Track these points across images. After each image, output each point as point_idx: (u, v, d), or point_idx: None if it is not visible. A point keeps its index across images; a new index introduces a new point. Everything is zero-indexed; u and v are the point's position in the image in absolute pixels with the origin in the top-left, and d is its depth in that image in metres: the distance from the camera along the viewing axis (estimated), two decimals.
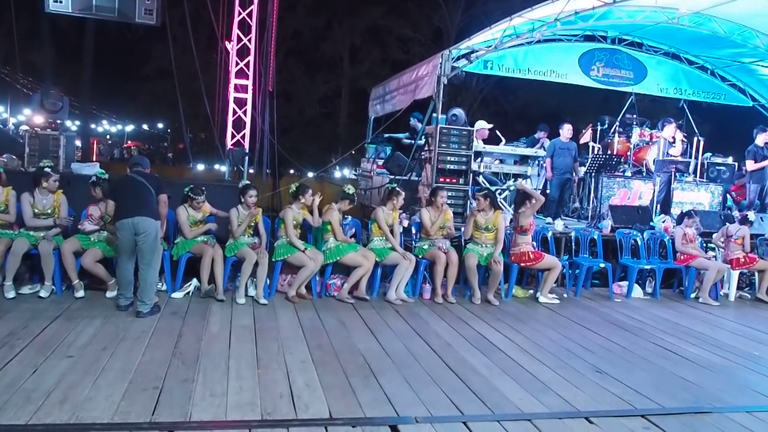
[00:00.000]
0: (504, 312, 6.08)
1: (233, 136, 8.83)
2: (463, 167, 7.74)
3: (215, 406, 3.39)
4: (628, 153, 9.63)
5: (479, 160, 8.25)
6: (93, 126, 33.68)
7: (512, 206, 7.38)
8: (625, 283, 7.30)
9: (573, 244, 7.46)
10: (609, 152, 9.47)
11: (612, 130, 9.86)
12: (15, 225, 5.62)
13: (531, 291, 6.91)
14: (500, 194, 8.29)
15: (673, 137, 9.45)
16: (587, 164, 9.13)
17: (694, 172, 9.71)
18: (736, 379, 4.46)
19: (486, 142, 8.84)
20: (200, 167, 23.33)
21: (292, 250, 5.94)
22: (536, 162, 9.13)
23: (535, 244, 6.88)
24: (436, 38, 23.19)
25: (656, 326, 5.89)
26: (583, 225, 8.29)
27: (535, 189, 8.45)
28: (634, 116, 9.94)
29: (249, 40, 8.73)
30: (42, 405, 3.24)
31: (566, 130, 9.15)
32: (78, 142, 15.50)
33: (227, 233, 6.07)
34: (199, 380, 3.73)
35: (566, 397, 3.83)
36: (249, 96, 8.79)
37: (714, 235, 7.77)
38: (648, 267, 7.36)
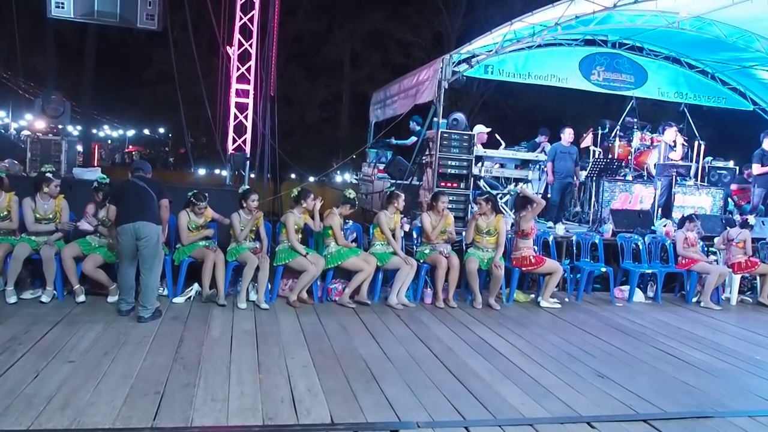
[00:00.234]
0: (505, 316, 6.08)
1: (234, 141, 8.85)
2: (464, 172, 7.74)
3: (217, 411, 3.39)
4: (629, 157, 9.63)
5: (480, 164, 8.26)
6: (94, 131, 33.70)
7: (513, 210, 7.38)
8: (626, 288, 7.29)
9: (574, 248, 7.45)
10: (610, 156, 9.47)
11: (613, 134, 9.87)
12: (17, 230, 5.63)
13: (532, 295, 6.91)
14: (501, 198, 8.29)
15: (674, 141, 9.46)
16: (588, 168, 9.13)
17: (695, 176, 9.70)
18: (738, 384, 4.45)
19: (485, 145, 8.85)
20: (201, 172, 23.34)
21: (294, 255, 5.94)
22: (537, 166, 9.13)
23: (536, 248, 6.87)
24: (437, 43, 23.25)
25: (658, 330, 5.88)
26: (584, 229, 8.29)
27: (536, 193, 8.46)
28: (635, 120, 9.95)
29: (250, 45, 8.75)
30: (43, 410, 3.24)
31: (567, 135, 9.16)
32: (79, 147, 15.52)
33: (228, 238, 6.07)
34: (201, 385, 3.73)
35: (568, 402, 3.82)
36: (250, 101, 8.81)
37: (715, 240, 7.76)
38: (649, 271, 7.36)
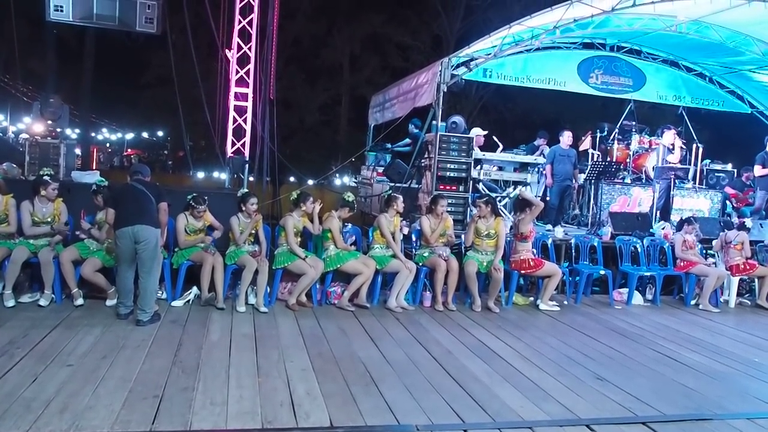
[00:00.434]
0: (504, 319, 6.08)
1: (233, 144, 8.84)
2: (463, 174, 7.76)
3: (215, 414, 3.38)
4: (628, 160, 9.66)
5: (479, 167, 8.27)
6: (93, 134, 33.73)
7: (512, 213, 7.39)
8: (625, 290, 7.30)
9: (573, 251, 7.46)
10: (608, 159, 9.49)
11: (611, 137, 9.89)
12: (15, 233, 5.62)
13: (531, 298, 6.91)
14: (500, 201, 8.30)
15: (672, 144, 9.48)
16: (587, 171, 9.15)
17: (694, 179, 9.73)
18: (737, 386, 4.45)
19: (483, 148, 8.86)
20: (200, 175, 23.36)
21: (293, 258, 5.94)
22: (536, 169, 9.15)
23: (535, 251, 6.88)
24: (436, 46, 23.26)
25: (656, 333, 5.88)
26: (583, 232, 8.30)
27: (535, 196, 8.47)
28: (633, 123, 9.98)
29: (249, 48, 8.75)
30: (42, 414, 3.23)
31: (566, 137, 9.18)
32: (78, 151, 15.55)
33: (227, 241, 6.07)
34: (200, 389, 3.72)
35: (567, 405, 3.82)
36: (249, 104, 8.81)
37: (714, 242, 7.77)
38: (648, 274, 7.37)
